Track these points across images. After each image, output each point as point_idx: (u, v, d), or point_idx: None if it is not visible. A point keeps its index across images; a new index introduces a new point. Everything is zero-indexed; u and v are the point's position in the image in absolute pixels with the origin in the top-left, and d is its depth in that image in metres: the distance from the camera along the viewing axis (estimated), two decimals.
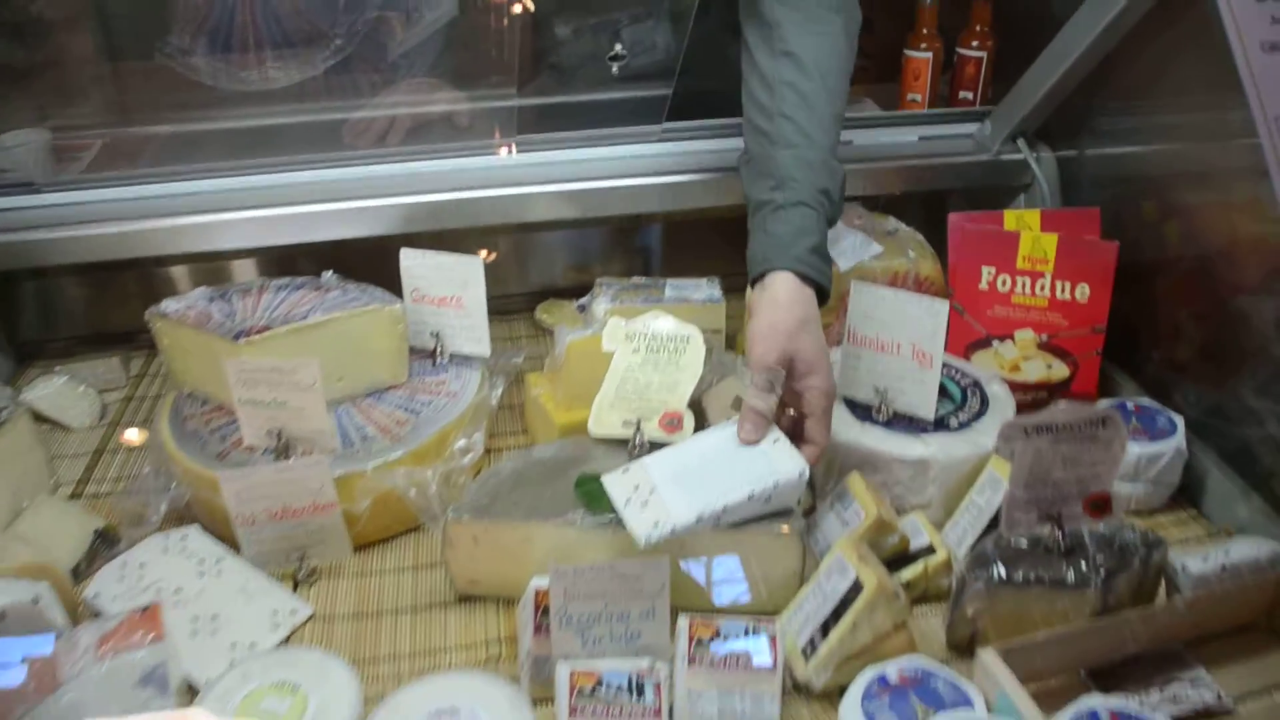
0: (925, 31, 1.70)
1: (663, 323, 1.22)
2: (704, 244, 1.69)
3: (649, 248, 1.73)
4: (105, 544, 1.23)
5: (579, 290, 1.68)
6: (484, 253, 1.31)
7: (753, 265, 1.21)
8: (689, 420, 1.20)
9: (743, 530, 1.09)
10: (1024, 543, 1.07)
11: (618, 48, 1.36)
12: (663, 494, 1.07)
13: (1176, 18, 1.27)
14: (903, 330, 1.22)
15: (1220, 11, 0.97)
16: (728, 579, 1.11)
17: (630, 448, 1.20)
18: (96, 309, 1.70)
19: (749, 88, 1.29)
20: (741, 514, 1.09)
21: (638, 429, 1.20)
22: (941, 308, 1.19)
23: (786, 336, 1.12)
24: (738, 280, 1.59)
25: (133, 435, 1.48)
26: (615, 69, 1.38)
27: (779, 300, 1.15)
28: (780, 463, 1.10)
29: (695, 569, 1.10)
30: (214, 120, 1.49)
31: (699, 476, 1.09)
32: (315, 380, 1.17)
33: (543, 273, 1.72)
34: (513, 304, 1.71)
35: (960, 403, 1.29)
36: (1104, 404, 1.34)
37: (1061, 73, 1.39)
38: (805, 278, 1.17)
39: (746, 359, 1.13)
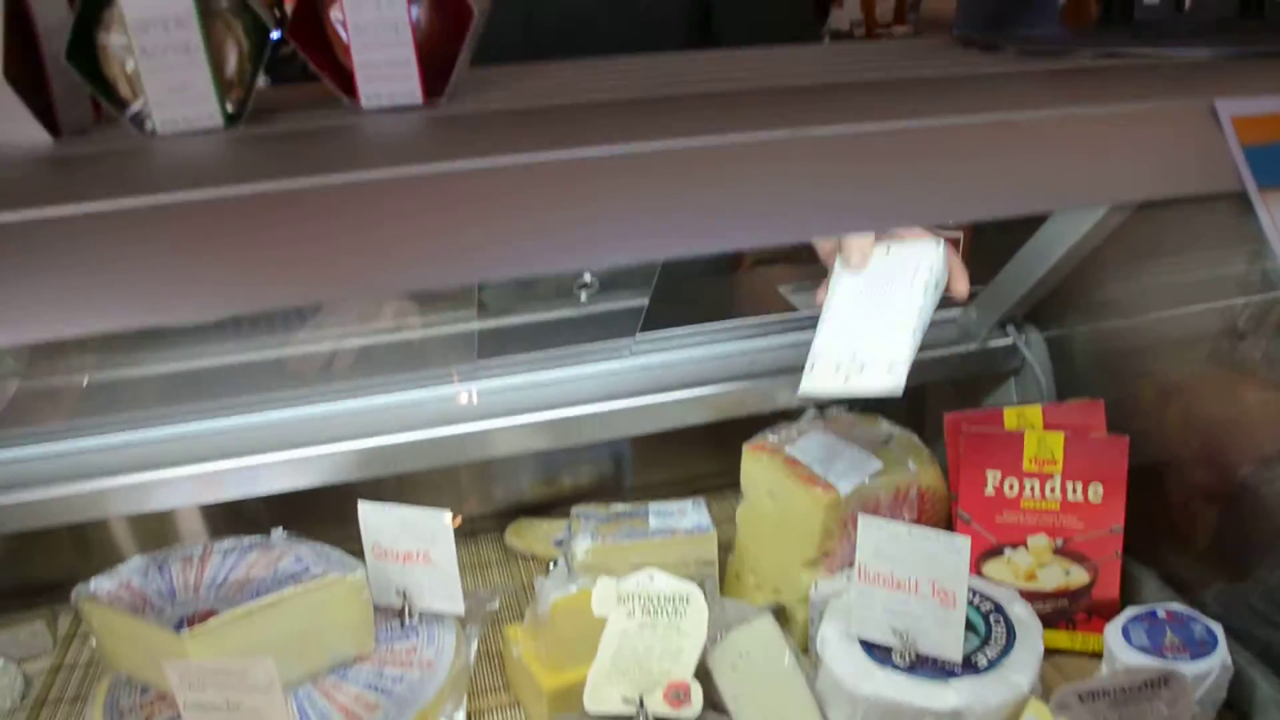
0: None
1: (659, 583, 1.10)
2: (680, 447, 1.58)
3: (621, 454, 1.61)
4: None
5: (550, 506, 1.56)
6: (450, 515, 1.18)
7: None
8: (697, 691, 1.08)
9: None
10: None
11: (586, 275, 1.25)
12: (862, 347, 1.01)
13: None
14: (921, 568, 1.12)
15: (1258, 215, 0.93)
16: None
17: None
18: (17, 561, 1.52)
19: None
20: (929, 313, 1.07)
21: (641, 706, 1.07)
22: (964, 545, 1.09)
23: None
24: (719, 480, 1.50)
25: None
26: (584, 296, 1.27)
27: None
28: (915, 252, 1.07)
29: None
30: (142, 361, 1.35)
31: (867, 314, 1.04)
32: (271, 680, 1.03)
33: (509, 489, 1.59)
34: (478, 525, 1.57)
35: (985, 635, 1.18)
36: (1132, 611, 1.24)
37: (1055, 260, 1.31)
38: None
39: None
